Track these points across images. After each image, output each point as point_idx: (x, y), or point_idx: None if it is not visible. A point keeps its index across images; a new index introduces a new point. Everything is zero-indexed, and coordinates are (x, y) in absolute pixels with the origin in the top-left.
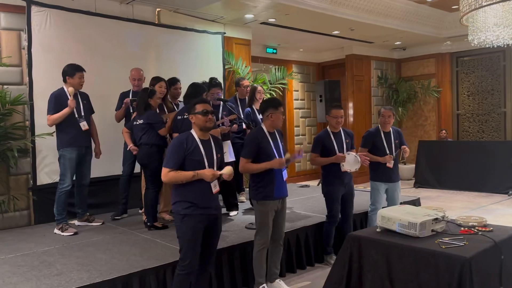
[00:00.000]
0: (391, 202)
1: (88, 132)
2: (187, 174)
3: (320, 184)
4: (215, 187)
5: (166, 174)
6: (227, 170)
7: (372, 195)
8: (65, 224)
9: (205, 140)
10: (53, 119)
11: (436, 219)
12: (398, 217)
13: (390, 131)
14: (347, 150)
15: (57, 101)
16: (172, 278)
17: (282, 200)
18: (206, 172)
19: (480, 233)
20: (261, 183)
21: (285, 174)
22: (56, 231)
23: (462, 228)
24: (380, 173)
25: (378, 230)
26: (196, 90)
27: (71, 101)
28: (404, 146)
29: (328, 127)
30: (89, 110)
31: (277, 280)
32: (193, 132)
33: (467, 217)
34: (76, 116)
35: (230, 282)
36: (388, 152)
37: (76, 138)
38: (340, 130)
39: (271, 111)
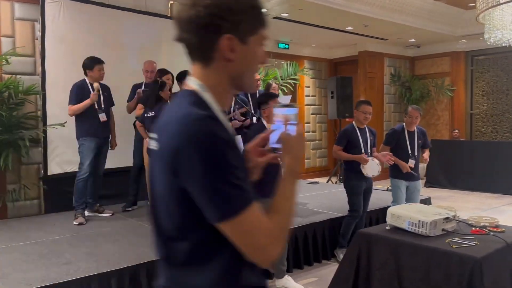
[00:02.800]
0: (410, 200)
1: (107, 123)
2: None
3: (330, 181)
4: None
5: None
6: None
7: (393, 192)
8: (78, 212)
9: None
10: (74, 109)
11: (447, 218)
12: (408, 215)
13: (414, 130)
14: (371, 148)
15: (79, 91)
16: None
17: None
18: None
19: (491, 233)
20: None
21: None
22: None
23: (473, 228)
24: (400, 171)
25: (387, 228)
26: None
27: (93, 95)
28: (426, 158)
29: (354, 122)
30: (109, 102)
31: (286, 276)
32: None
33: (478, 217)
34: (96, 107)
35: None
36: (410, 151)
37: (95, 129)
38: (365, 127)
39: (263, 107)
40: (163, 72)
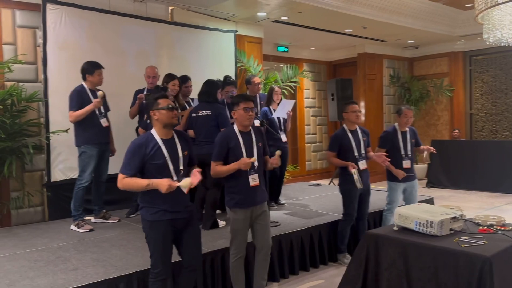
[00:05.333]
0: (409, 201)
1: (107, 129)
2: (141, 183)
3: (332, 183)
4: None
5: (121, 181)
6: (185, 182)
7: (389, 194)
8: (81, 220)
9: (168, 139)
10: (76, 115)
11: (454, 217)
12: (416, 216)
13: (406, 130)
14: (365, 148)
15: (79, 97)
16: None
17: (260, 206)
18: (163, 183)
19: (499, 232)
20: (232, 189)
21: (252, 180)
22: (72, 227)
23: (481, 227)
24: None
25: (395, 228)
26: (211, 87)
27: (97, 101)
28: (431, 148)
29: (344, 125)
30: (107, 108)
31: None
32: (153, 132)
33: (485, 216)
34: (97, 113)
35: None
36: (403, 152)
37: (97, 135)
38: (356, 128)
39: (234, 108)
40: (171, 77)
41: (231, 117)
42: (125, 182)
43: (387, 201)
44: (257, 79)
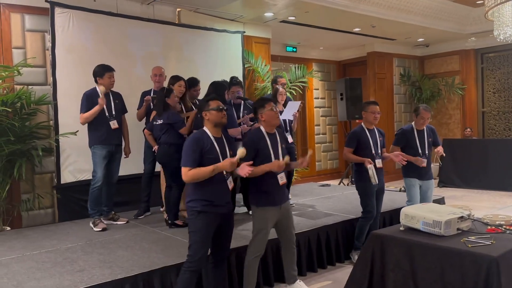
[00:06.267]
0: (423, 201)
1: (118, 130)
2: (207, 170)
3: (341, 183)
4: (230, 183)
5: (187, 173)
6: (240, 152)
7: (408, 191)
8: (97, 219)
9: (218, 138)
10: (84, 117)
11: (462, 217)
12: (422, 215)
13: (423, 129)
14: (380, 148)
15: (89, 100)
16: None
17: (286, 203)
18: (225, 163)
19: (507, 231)
20: (262, 188)
21: (281, 178)
22: (90, 224)
23: (489, 227)
24: (413, 170)
25: (401, 228)
26: (217, 88)
27: (101, 99)
28: (440, 151)
29: (362, 123)
30: (121, 110)
31: (297, 281)
32: (206, 129)
33: (494, 216)
34: (107, 115)
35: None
36: (420, 150)
37: (106, 136)
38: (373, 128)
39: (260, 111)
40: (177, 78)
41: (238, 118)
42: (191, 173)
43: (408, 198)
44: (283, 80)
